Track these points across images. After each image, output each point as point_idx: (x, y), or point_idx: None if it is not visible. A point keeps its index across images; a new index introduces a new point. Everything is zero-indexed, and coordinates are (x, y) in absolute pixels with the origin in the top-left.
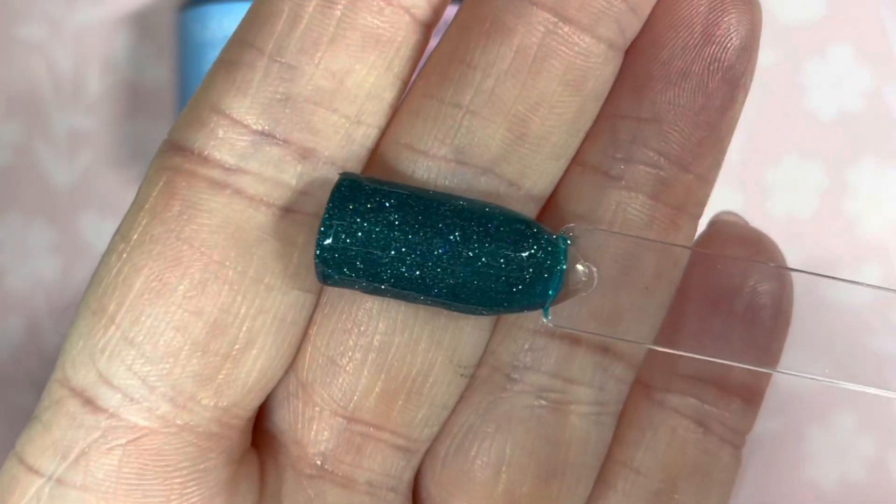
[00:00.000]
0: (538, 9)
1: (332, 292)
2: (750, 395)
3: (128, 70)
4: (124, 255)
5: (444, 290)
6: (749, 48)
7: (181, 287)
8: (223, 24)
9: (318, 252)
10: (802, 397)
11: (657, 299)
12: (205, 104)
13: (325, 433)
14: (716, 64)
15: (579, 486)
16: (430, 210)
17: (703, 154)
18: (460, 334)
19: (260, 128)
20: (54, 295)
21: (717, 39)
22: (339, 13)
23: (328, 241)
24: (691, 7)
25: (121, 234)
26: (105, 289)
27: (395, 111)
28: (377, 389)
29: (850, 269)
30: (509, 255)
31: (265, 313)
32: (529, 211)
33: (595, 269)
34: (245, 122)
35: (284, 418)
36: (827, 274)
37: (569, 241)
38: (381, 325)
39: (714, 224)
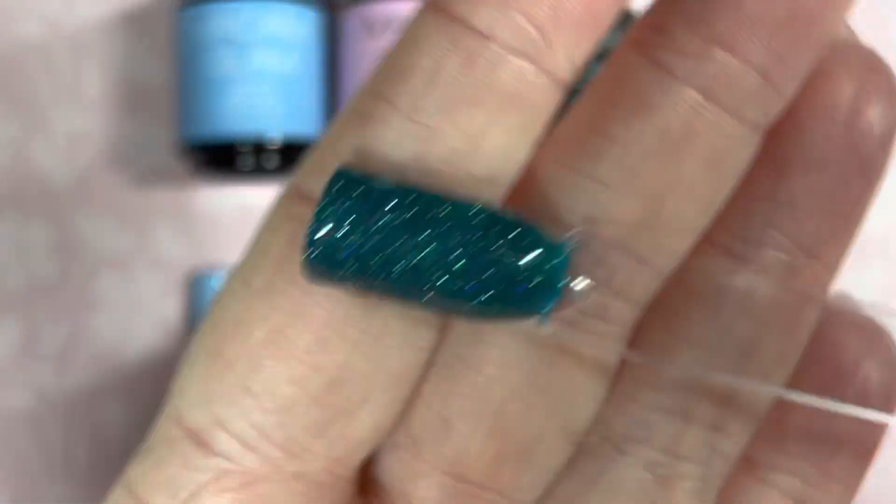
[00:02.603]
0: (685, 86)
1: (446, 352)
2: (850, 481)
3: (127, 70)
4: (246, 302)
5: (438, 294)
6: (891, 140)
7: (301, 342)
8: (222, 23)
9: (307, 248)
10: None
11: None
12: (333, 155)
13: (434, 491)
14: (856, 156)
15: None
16: (429, 210)
17: (834, 243)
18: (574, 404)
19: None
20: (52, 294)
21: (859, 130)
22: (479, 72)
23: (319, 235)
24: (835, 94)
25: (243, 279)
26: (224, 334)
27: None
28: (489, 453)
29: (852, 269)
30: (509, 260)
31: (382, 372)
32: (653, 289)
33: (593, 281)
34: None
35: (392, 469)
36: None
37: (572, 248)
38: (497, 391)
39: (827, 308)
